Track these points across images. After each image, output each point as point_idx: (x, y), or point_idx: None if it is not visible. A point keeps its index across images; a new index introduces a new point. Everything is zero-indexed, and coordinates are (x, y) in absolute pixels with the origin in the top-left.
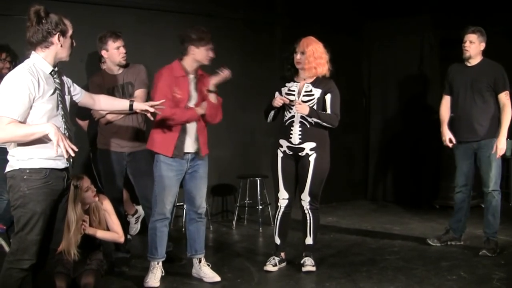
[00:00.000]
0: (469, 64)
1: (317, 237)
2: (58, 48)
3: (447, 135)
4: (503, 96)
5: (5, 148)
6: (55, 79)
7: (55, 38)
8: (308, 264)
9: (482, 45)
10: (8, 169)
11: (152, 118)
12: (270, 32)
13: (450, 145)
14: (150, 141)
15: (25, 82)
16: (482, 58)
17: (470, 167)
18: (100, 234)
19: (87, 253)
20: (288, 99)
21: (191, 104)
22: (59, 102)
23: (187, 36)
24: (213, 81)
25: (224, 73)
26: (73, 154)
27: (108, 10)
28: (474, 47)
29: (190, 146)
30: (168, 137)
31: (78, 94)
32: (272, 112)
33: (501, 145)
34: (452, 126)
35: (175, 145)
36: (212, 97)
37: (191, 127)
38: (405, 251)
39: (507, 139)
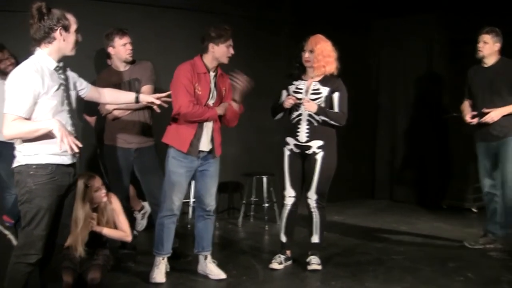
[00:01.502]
0: (485, 65)
1: (323, 236)
2: (61, 43)
3: (468, 113)
4: None
5: (13, 144)
6: (60, 75)
7: (57, 33)
8: (314, 263)
9: (497, 46)
10: (15, 164)
11: (158, 111)
12: (278, 30)
13: (474, 121)
14: (166, 134)
15: (29, 79)
16: (499, 58)
17: (493, 166)
18: (107, 231)
19: (94, 249)
20: (296, 97)
21: (211, 102)
22: (64, 98)
23: (207, 34)
24: (238, 94)
25: (243, 82)
26: (77, 150)
27: (115, 7)
28: (487, 47)
29: (205, 144)
30: (185, 132)
31: (84, 89)
32: (282, 113)
33: (493, 113)
34: (474, 126)
35: (191, 141)
36: (235, 105)
37: (208, 126)
38: (411, 251)
39: None
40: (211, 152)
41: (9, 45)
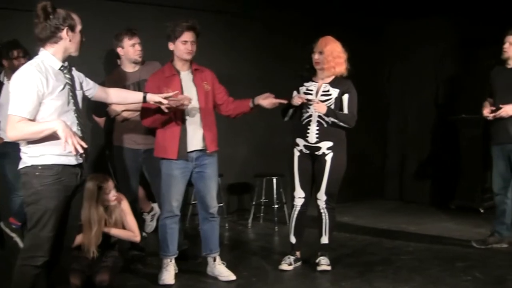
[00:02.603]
0: (508, 66)
1: (333, 237)
2: (67, 43)
3: (486, 108)
4: None
5: (19, 145)
6: (65, 75)
7: (63, 33)
8: (323, 264)
9: None
10: (21, 165)
11: (166, 111)
12: (291, 32)
13: (491, 116)
14: (155, 147)
15: (33, 79)
16: None
17: (507, 169)
18: (115, 232)
19: (102, 251)
20: (306, 98)
21: (194, 100)
22: (70, 98)
23: (166, 35)
24: (261, 104)
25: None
26: (81, 151)
27: (126, 7)
28: None
29: (193, 144)
30: (170, 139)
31: (91, 89)
32: (290, 111)
33: (508, 107)
34: (490, 128)
35: (179, 146)
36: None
37: (194, 124)
38: (420, 251)
39: None
40: (203, 149)
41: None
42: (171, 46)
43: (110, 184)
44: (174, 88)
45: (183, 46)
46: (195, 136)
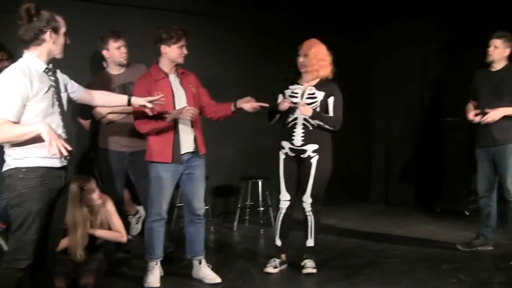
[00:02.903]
0: (493, 69)
1: (318, 239)
2: (51, 45)
3: (471, 111)
4: None
5: (3, 147)
6: (50, 77)
7: (47, 35)
8: (309, 266)
9: (507, 51)
10: (4, 168)
11: (151, 114)
12: (277, 33)
13: (476, 119)
14: (148, 151)
15: (17, 82)
16: (507, 63)
17: (492, 171)
18: (100, 233)
19: (87, 253)
20: (291, 101)
21: (180, 103)
22: (54, 100)
23: (157, 37)
24: (241, 107)
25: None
26: (65, 153)
27: (113, 9)
28: (498, 52)
29: (186, 146)
30: (163, 143)
31: (76, 92)
32: (278, 116)
33: (493, 113)
34: (474, 131)
35: (172, 149)
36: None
37: (185, 127)
38: (406, 254)
39: None
40: (195, 151)
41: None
42: (165, 49)
43: (93, 184)
44: (165, 91)
45: (180, 50)
46: (187, 138)
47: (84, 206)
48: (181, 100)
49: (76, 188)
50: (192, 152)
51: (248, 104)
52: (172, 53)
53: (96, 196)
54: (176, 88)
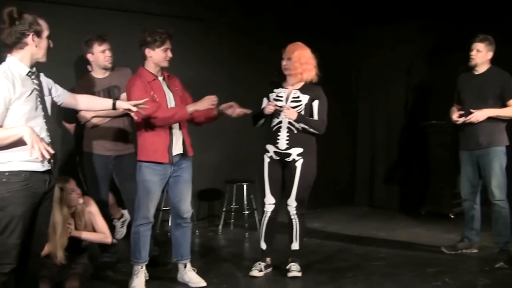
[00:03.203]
0: (476, 73)
1: (303, 243)
2: (33, 48)
3: (455, 112)
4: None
5: None
6: (33, 80)
7: (29, 39)
8: (294, 270)
9: (490, 54)
10: None
11: (136, 118)
12: (260, 36)
13: (460, 120)
14: (143, 152)
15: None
16: (490, 67)
17: (475, 174)
18: (86, 235)
19: (72, 257)
20: (276, 105)
21: (172, 105)
22: (38, 103)
23: (141, 40)
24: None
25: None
26: (48, 157)
27: (97, 13)
28: (480, 56)
29: (176, 148)
30: (160, 143)
31: (61, 95)
32: (262, 120)
33: (478, 113)
34: (458, 134)
35: (168, 150)
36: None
37: (176, 129)
38: (391, 257)
39: None
40: (183, 154)
41: None
42: (149, 52)
43: (72, 184)
44: (158, 92)
45: (164, 53)
46: (178, 140)
47: (64, 206)
48: (170, 102)
49: (55, 189)
50: (180, 155)
51: (231, 110)
52: (156, 56)
53: (75, 196)
54: (166, 90)
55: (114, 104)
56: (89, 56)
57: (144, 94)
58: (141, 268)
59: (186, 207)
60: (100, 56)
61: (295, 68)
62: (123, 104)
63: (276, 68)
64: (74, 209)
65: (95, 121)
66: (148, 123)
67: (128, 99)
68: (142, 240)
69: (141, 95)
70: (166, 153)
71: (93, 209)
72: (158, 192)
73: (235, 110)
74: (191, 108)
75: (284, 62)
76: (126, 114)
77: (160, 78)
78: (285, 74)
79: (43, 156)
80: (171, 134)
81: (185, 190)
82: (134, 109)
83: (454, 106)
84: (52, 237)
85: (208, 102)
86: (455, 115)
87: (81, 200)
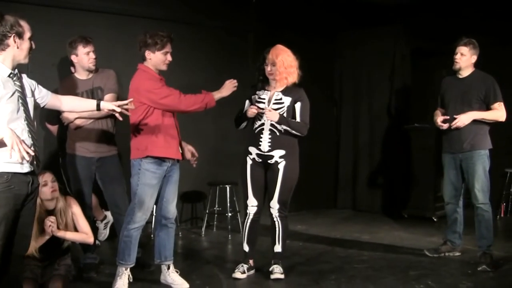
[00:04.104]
0: (460, 76)
1: (286, 245)
2: (15, 50)
3: (440, 116)
4: (496, 106)
5: None
6: (14, 82)
7: (11, 40)
8: (277, 272)
9: (474, 58)
10: None
11: (121, 119)
12: (243, 39)
13: (445, 126)
14: (150, 148)
15: None
16: (474, 70)
17: (458, 177)
18: (70, 235)
19: (55, 258)
20: (258, 107)
21: None
22: (20, 105)
23: (142, 42)
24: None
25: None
26: (28, 158)
27: (80, 15)
28: (465, 59)
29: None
30: (171, 141)
31: (44, 97)
32: (245, 122)
33: (463, 116)
34: (441, 137)
35: (179, 148)
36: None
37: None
38: (373, 260)
39: None
40: (182, 154)
41: None
42: (149, 55)
43: (46, 177)
44: None
45: (164, 56)
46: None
47: (40, 198)
48: None
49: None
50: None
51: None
52: (156, 59)
53: (47, 189)
54: None
55: (98, 105)
56: (73, 57)
57: (161, 84)
58: (126, 270)
59: (173, 208)
60: (84, 58)
61: (280, 73)
62: (107, 105)
63: (258, 72)
64: (55, 208)
65: (78, 122)
66: (157, 119)
67: (143, 89)
68: (133, 243)
69: (158, 84)
70: (178, 150)
71: (75, 210)
72: (155, 196)
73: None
74: (218, 94)
75: (268, 68)
76: (110, 115)
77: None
78: (269, 78)
79: (22, 158)
80: (179, 134)
81: (173, 190)
82: (118, 109)
83: (438, 109)
84: None
85: (230, 86)
86: (439, 120)
87: (55, 194)
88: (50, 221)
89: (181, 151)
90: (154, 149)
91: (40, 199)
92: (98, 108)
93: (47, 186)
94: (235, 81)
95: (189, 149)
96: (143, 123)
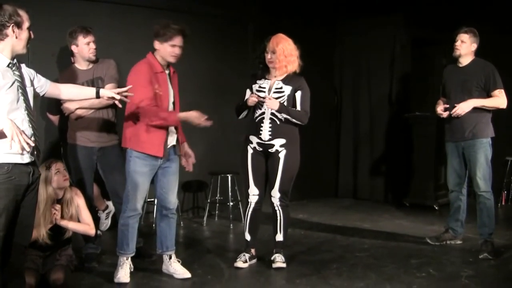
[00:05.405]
0: (460, 65)
1: (288, 234)
2: (14, 40)
3: (441, 105)
4: (497, 93)
5: None
6: (14, 72)
7: (9, 30)
8: (278, 261)
9: (474, 46)
10: None
11: (120, 106)
12: (243, 28)
13: (445, 114)
14: (136, 142)
15: None
16: (474, 58)
17: (461, 165)
18: (72, 225)
19: (57, 248)
20: (258, 95)
21: (171, 101)
22: (19, 95)
23: (154, 30)
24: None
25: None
26: (27, 149)
27: (81, 4)
28: (465, 47)
29: (170, 140)
30: (156, 137)
31: (43, 86)
32: (246, 112)
33: (463, 104)
34: (444, 125)
35: (164, 145)
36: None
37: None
38: (375, 248)
39: None
40: (176, 146)
41: None
42: (157, 45)
43: (59, 165)
44: (163, 86)
45: (171, 49)
46: (172, 133)
47: (49, 186)
48: (171, 99)
49: (41, 168)
50: (172, 146)
51: (183, 160)
52: (163, 50)
53: (61, 177)
54: (169, 86)
55: (97, 93)
56: (73, 47)
57: (149, 86)
58: (127, 259)
59: (173, 198)
60: (84, 48)
61: (280, 61)
62: (106, 92)
63: (258, 61)
64: (62, 198)
65: (79, 112)
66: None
67: (133, 84)
68: (130, 232)
69: (147, 86)
70: (161, 147)
71: (79, 202)
72: (147, 184)
73: (187, 161)
74: (183, 116)
75: (268, 56)
76: (110, 105)
77: (167, 72)
78: (269, 67)
79: (22, 148)
80: (167, 128)
81: (172, 181)
82: (118, 97)
83: (440, 99)
84: (36, 215)
85: (200, 118)
86: (440, 108)
87: (67, 183)
88: (55, 209)
89: (175, 142)
90: (135, 143)
91: (52, 187)
92: (98, 95)
93: (60, 174)
94: (206, 117)
95: (187, 153)
96: (134, 113)
